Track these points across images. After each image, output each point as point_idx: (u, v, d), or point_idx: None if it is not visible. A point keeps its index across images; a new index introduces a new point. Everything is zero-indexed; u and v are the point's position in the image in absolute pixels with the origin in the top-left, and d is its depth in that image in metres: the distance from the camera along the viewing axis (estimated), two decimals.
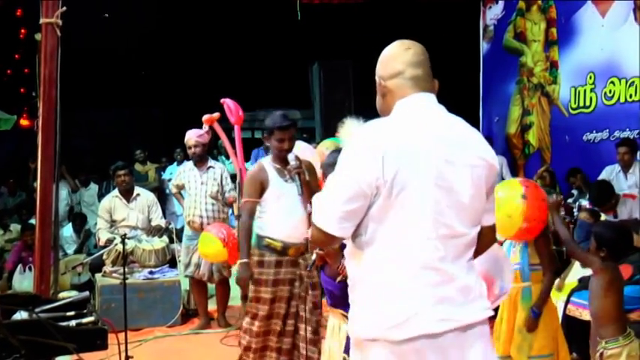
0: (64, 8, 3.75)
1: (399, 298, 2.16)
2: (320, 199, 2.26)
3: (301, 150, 5.90)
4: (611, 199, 6.34)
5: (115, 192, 7.26)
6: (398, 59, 2.31)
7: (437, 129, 2.23)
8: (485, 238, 2.39)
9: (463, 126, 2.32)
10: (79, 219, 9.24)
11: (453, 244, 2.20)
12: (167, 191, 9.75)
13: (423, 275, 2.16)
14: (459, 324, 2.18)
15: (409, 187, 2.13)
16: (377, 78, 2.37)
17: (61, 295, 4.42)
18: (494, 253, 3.05)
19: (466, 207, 2.22)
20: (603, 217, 5.81)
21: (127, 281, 5.25)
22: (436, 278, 2.17)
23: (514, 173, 9.72)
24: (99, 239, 7.13)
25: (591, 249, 3.94)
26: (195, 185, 6.48)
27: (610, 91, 8.31)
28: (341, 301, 3.67)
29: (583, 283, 5.38)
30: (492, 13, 10.49)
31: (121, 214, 7.12)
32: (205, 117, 6.05)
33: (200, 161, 6.50)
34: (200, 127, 6.31)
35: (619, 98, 8.18)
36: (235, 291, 6.36)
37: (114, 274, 6.48)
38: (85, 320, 2.92)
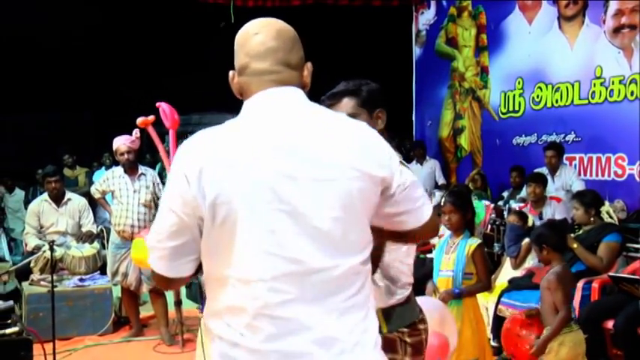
0: None
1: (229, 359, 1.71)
2: (149, 234, 1.80)
3: None
4: (546, 181, 6.74)
5: (45, 196, 7.06)
6: (243, 49, 1.81)
7: (279, 136, 1.69)
8: (424, 233, 1.96)
9: (335, 128, 1.75)
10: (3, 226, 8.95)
11: (310, 282, 1.67)
12: None
13: (257, 328, 1.66)
14: None
15: (236, 212, 1.64)
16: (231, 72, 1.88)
17: None
18: (440, 313, 2.94)
19: (327, 233, 1.68)
20: (531, 218, 5.96)
21: (55, 289, 5.11)
22: (277, 329, 1.66)
23: (446, 176, 9.90)
24: (26, 245, 6.91)
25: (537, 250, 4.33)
26: (127, 193, 6.24)
27: (537, 96, 8.55)
28: None
29: (513, 284, 5.52)
30: (424, 19, 10.65)
31: (49, 219, 6.92)
32: (140, 119, 5.92)
33: (131, 168, 6.29)
34: (130, 131, 6.18)
35: (546, 103, 8.43)
36: (169, 297, 6.25)
37: (42, 282, 6.29)
38: (8, 331, 2.84)
